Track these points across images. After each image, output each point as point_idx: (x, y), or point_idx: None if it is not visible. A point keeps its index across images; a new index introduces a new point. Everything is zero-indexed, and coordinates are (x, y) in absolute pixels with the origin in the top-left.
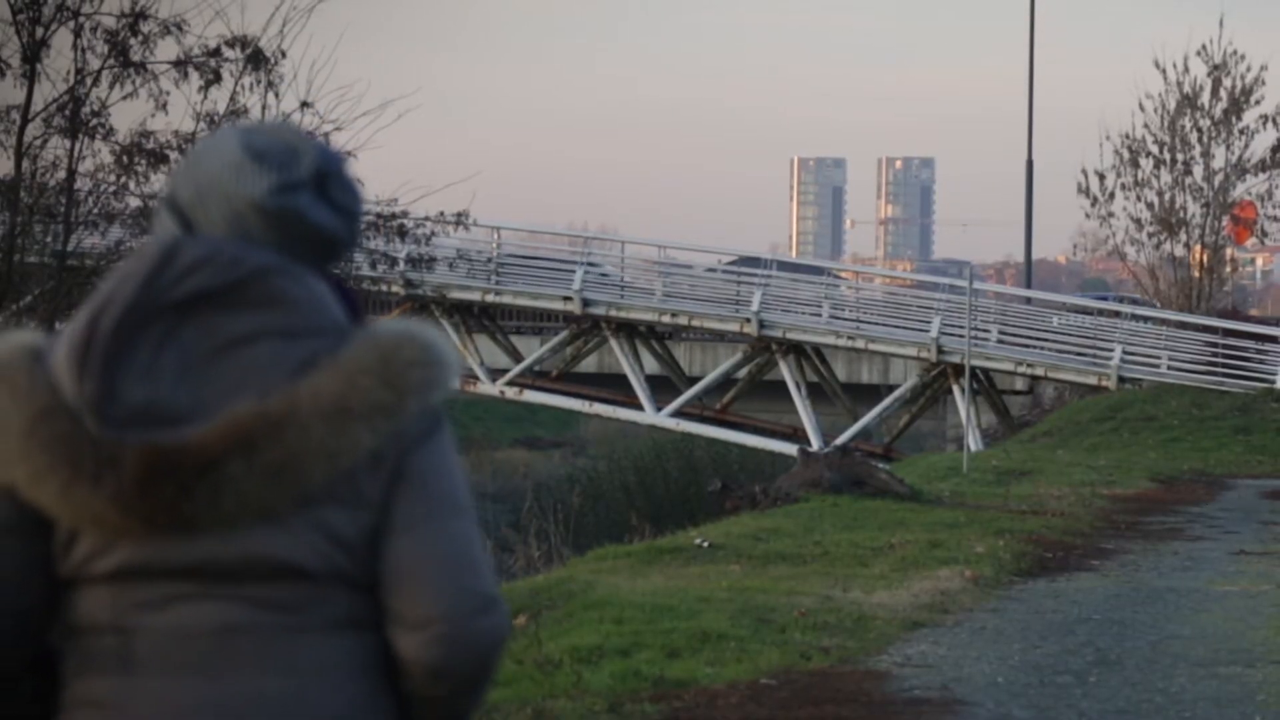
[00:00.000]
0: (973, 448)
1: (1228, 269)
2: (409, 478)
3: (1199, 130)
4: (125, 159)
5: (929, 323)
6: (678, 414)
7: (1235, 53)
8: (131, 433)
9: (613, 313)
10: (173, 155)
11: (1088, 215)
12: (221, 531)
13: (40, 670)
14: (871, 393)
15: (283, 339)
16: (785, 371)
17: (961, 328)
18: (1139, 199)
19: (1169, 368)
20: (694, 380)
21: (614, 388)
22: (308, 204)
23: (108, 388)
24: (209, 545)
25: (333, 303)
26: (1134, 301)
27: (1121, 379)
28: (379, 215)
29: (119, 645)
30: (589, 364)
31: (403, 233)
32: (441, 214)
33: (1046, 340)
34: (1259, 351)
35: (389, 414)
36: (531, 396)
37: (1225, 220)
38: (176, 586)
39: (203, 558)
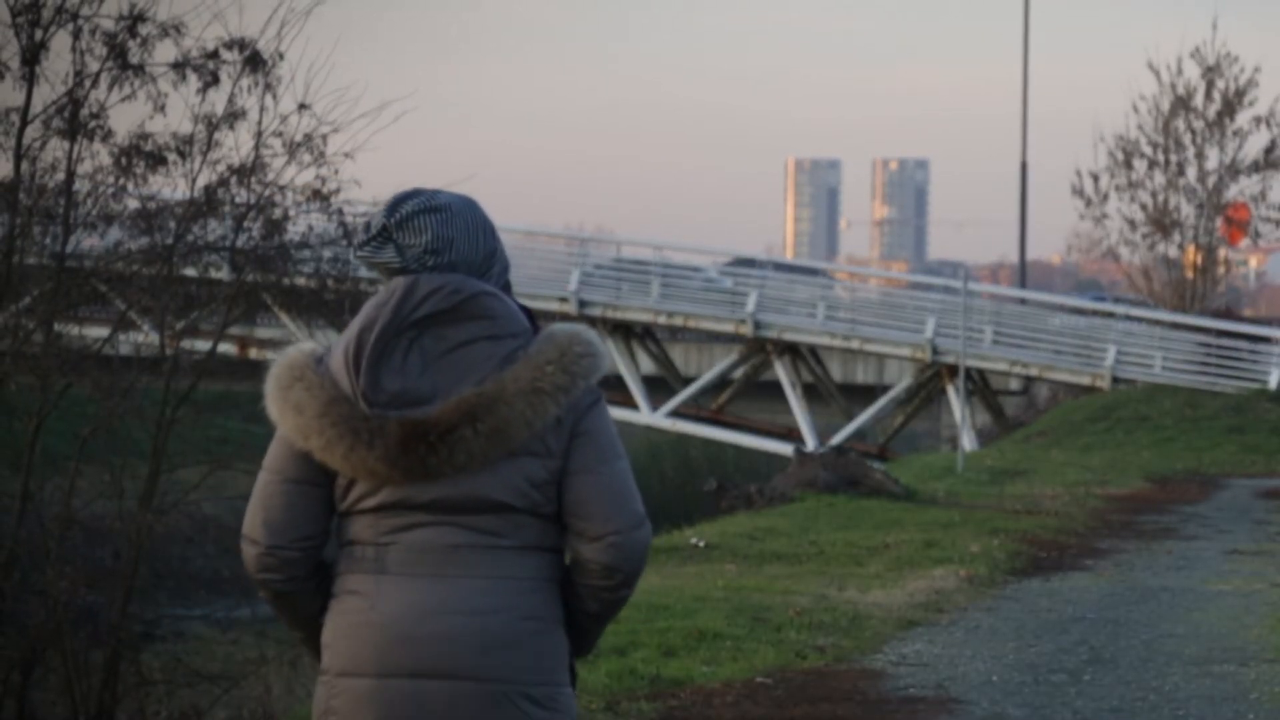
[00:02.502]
0: (967, 448)
1: (1221, 270)
2: (582, 434)
3: (1192, 131)
4: (124, 161)
5: (924, 323)
6: (673, 414)
7: (1229, 54)
8: (391, 411)
9: (609, 313)
10: (171, 157)
11: (1082, 216)
12: (453, 478)
13: (321, 573)
14: (866, 393)
15: (491, 341)
16: (781, 372)
17: (956, 328)
18: (1133, 200)
19: (1163, 368)
20: (690, 380)
21: (610, 388)
22: (375, 250)
23: (374, 381)
24: (443, 488)
25: (520, 314)
26: (1128, 302)
27: (1115, 379)
28: None
29: (376, 555)
30: None
31: None
32: None
33: (1041, 340)
34: (1252, 352)
35: (567, 391)
36: None
37: (1219, 221)
38: (418, 516)
39: (438, 496)
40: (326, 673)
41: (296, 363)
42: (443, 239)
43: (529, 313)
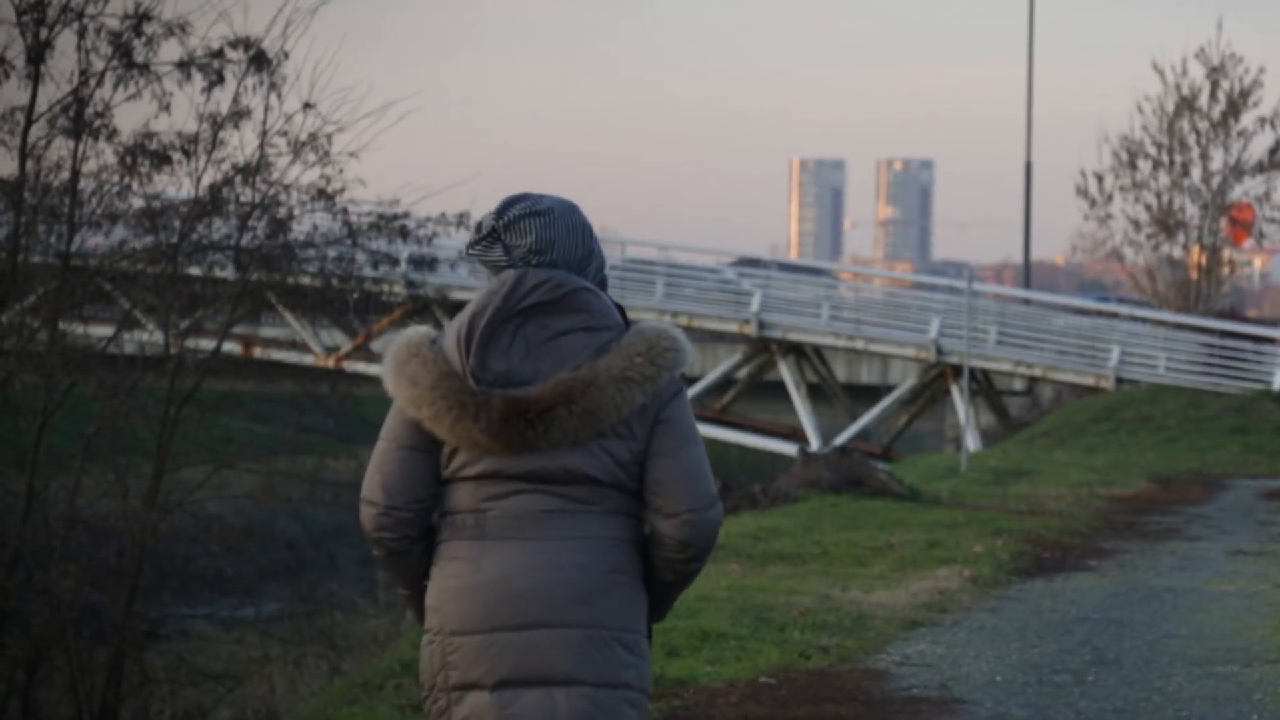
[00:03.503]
0: (971, 448)
1: (1225, 270)
2: (664, 421)
3: (1197, 132)
4: (129, 160)
5: (928, 324)
6: None
7: (1233, 55)
8: (496, 389)
9: None
10: (175, 156)
11: (1086, 217)
12: (548, 451)
13: (430, 536)
14: (870, 393)
15: (587, 332)
16: (785, 372)
17: (960, 328)
18: (1137, 200)
19: (1166, 369)
20: (694, 380)
21: None
22: (485, 249)
23: (482, 362)
24: (539, 460)
25: (614, 309)
26: (1132, 303)
27: (1119, 380)
28: (380, 216)
29: (476, 521)
30: None
31: (404, 233)
32: (443, 215)
33: (1045, 341)
34: (1256, 352)
35: (653, 380)
36: None
37: (1223, 222)
38: (516, 485)
39: (534, 468)
40: (437, 633)
41: (413, 341)
42: (545, 240)
43: (621, 309)
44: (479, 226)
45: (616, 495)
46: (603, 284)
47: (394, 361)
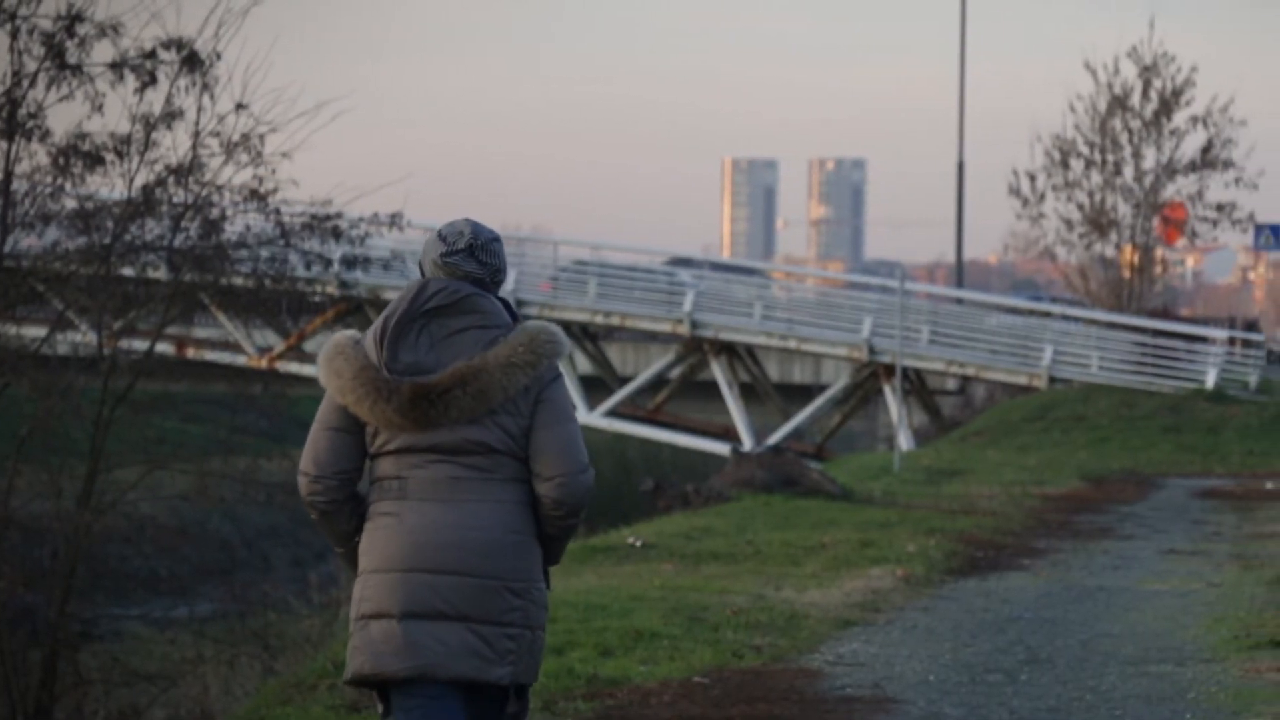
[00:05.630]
0: (904, 447)
1: (1158, 269)
2: (544, 401)
3: (1129, 131)
4: (62, 160)
5: (860, 323)
6: (611, 414)
7: (1165, 54)
8: (405, 377)
9: (545, 313)
10: (108, 157)
11: (1018, 216)
12: (450, 426)
13: (355, 501)
14: (803, 392)
15: (480, 330)
16: (718, 371)
17: (893, 328)
18: (1069, 200)
19: (1099, 368)
20: (627, 380)
21: None
22: (463, 260)
23: (393, 355)
24: (443, 435)
25: (503, 310)
26: (1065, 302)
27: (1052, 379)
28: (313, 216)
29: (399, 485)
30: None
31: (337, 234)
32: (376, 215)
33: (977, 340)
34: (1189, 351)
35: (534, 366)
36: None
37: (1155, 221)
38: (428, 456)
39: (439, 441)
40: (363, 571)
41: (339, 342)
42: (502, 259)
43: (511, 310)
44: (459, 239)
45: (511, 463)
46: (497, 288)
47: (324, 358)
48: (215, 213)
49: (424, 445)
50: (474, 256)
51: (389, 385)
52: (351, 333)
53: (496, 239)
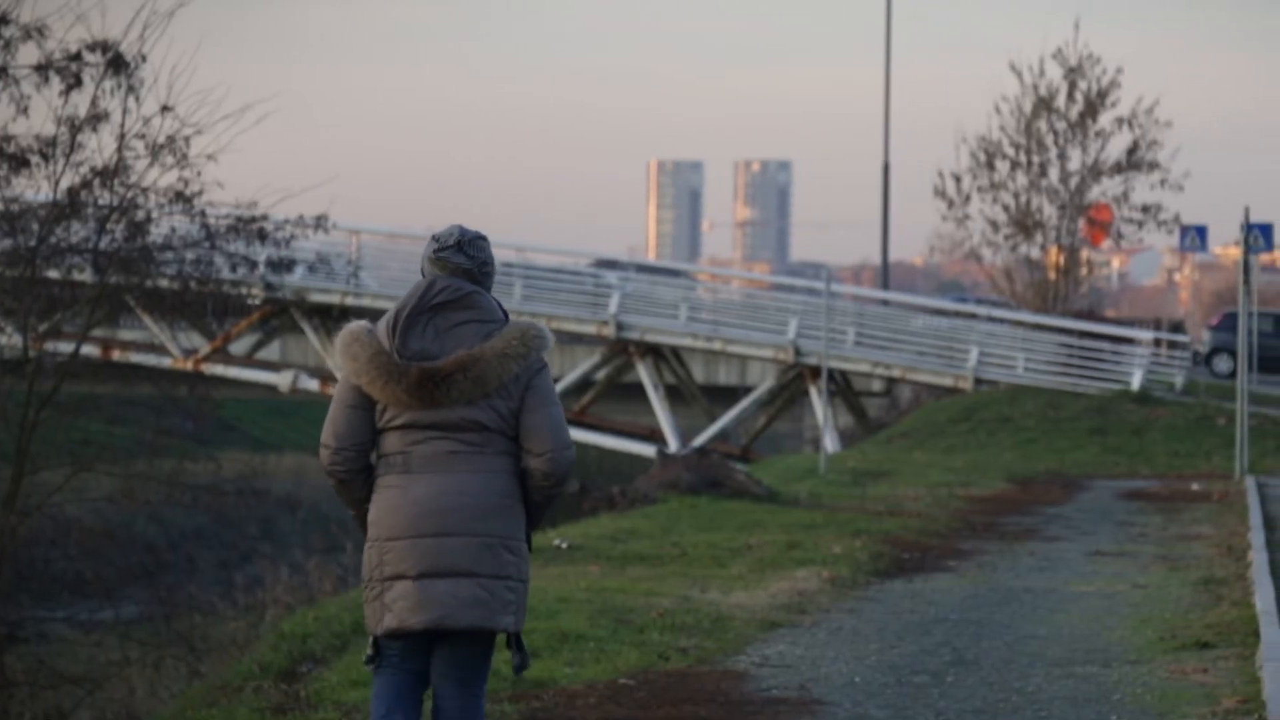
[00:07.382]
0: (830, 449)
1: (1083, 271)
2: (533, 387)
3: (1055, 133)
4: None
5: (786, 325)
6: None
7: (1091, 55)
8: (413, 362)
9: None
10: (33, 159)
11: (944, 217)
12: (451, 406)
13: (368, 471)
14: (729, 394)
15: (478, 324)
16: (643, 373)
17: (818, 329)
18: (995, 201)
19: (1025, 369)
20: (554, 382)
21: None
22: (453, 254)
23: (403, 343)
24: (444, 413)
25: (497, 306)
26: (990, 303)
27: (978, 380)
28: (239, 218)
29: (404, 459)
30: None
31: (262, 236)
32: (301, 217)
33: (903, 342)
34: (1115, 353)
35: (525, 357)
36: None
37: (1081, 222)
38: (430, 433)
39: (441, 419)
40: (375, 539)
41: (355, 330)
42: (488, 254)
43: (502, 308)
44: (449, 236)
45: (501, 440)
46: (489, 287)
47: (341, 344)
48: (141, 215)
49: (426, 422)
50: (462, 251)
51: (399, 368)
52: (363, 323)
53: (482, 237)
